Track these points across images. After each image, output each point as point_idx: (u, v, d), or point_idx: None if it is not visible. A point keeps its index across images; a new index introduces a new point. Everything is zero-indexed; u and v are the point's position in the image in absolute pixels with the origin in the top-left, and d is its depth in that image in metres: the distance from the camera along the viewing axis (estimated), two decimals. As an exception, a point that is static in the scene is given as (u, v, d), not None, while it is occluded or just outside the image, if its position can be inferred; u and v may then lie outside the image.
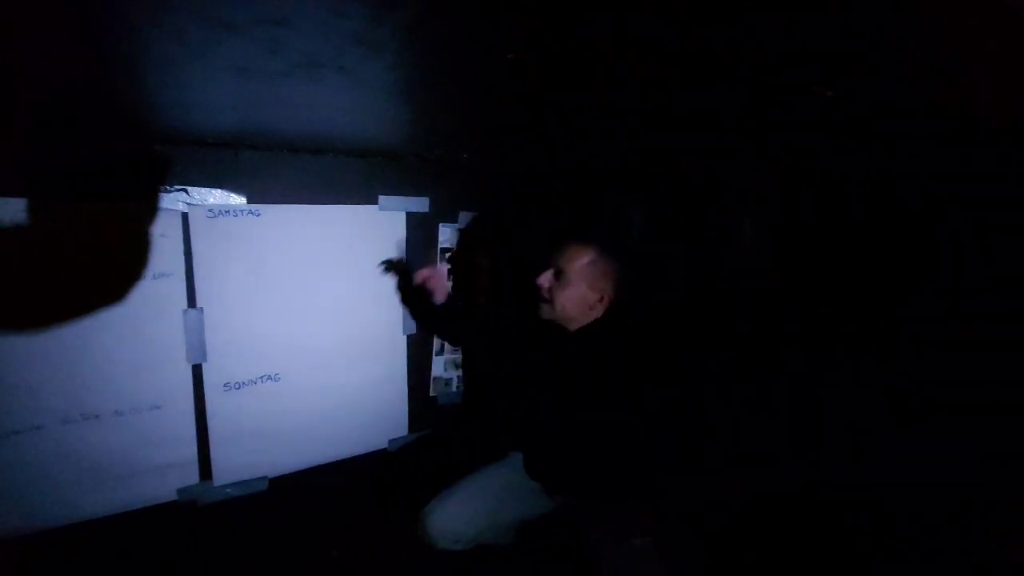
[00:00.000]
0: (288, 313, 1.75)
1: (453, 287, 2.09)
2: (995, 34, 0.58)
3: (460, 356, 2.18)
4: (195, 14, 0.59)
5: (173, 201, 1.50)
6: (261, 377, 1.74)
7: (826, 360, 1.44)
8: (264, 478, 1.81)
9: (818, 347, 1.45)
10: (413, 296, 1.82)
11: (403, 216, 1.91)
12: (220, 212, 1.57)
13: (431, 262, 2.03)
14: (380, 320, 1.95)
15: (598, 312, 1.38)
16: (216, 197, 1.56)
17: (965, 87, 0.79)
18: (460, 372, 2.20)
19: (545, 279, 1.38)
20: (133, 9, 0.58)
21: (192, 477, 1.67)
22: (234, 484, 1.75)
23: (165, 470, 1.62)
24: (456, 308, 1.80)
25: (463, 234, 2.07)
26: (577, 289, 1.35)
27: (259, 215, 1.63)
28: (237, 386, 1.70)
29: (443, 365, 2.16)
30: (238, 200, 1.60)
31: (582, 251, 1.36)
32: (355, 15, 0.58)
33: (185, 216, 1.52)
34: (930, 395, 1.22)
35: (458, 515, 1.36)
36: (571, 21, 0.62)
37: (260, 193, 1.63)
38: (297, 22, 0.61)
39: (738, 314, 1.64)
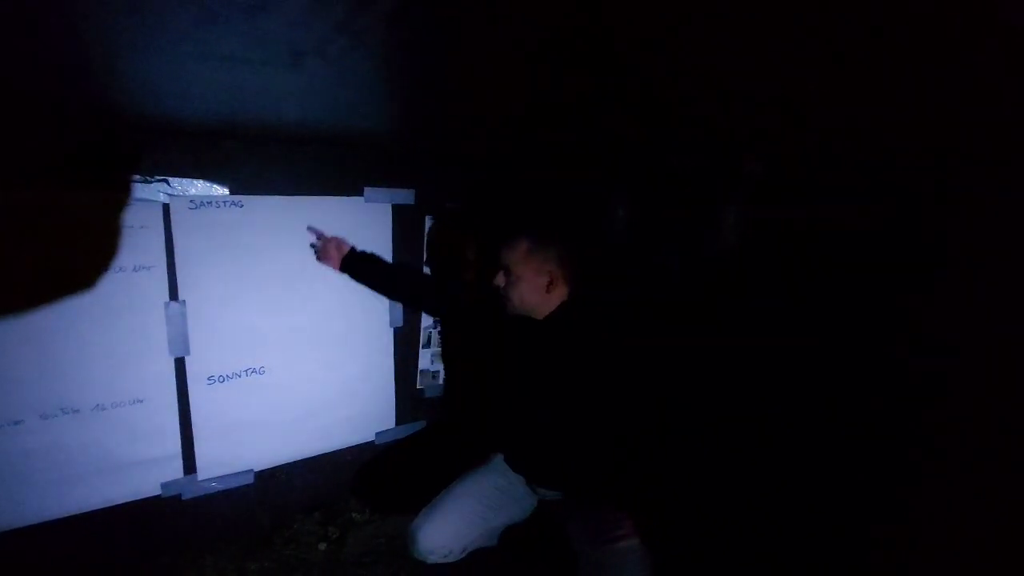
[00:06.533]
0: (273, 306, 1.73)
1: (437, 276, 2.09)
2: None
3: (443, 350, 2.19)
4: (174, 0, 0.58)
5: (154, 192, 1.47)
6: (246, 370, 1.73)
7: (804, 354, 1.46)
8: (250, 471, 1.80)
9: (796, 339, 1.48)
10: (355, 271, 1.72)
11: (389, 208, 1.91)
12: (202, 203, 1.55)
13: (417, 255, 2.04)
14: (366, 313, 1.94)
15: (561, 293, 1.41)
16: (198, 188, 1.54)
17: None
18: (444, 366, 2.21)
19: (499, 280, 1.42)
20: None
21: (176, 471, 1.66)
22: (219, 478, 1.74)
23: (148, 464, 1.60)
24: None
25: (450, 226, 2.07)
26: (525, 280, 1.39)
27: (242, 206, 1.62)
28: (221, 379, 1.68)
29: (429, 358, 2.17)
30: (220, 191, 1.58)
31: (516, 243, 1.41)
32: (336, 2, 0.58)
33: (166, 207, 1.50)
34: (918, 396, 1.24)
35: (446, 530, 1.37)
36: (555, 7, 0.62)
37: (243, 184, 1.61)
38: (278, 9, 0.61)
39: (714, 304, 1.66)
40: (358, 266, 1.69)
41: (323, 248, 1.70)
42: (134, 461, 1.57)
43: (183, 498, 1.69)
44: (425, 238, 2.04)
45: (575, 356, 1.38)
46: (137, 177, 1.45)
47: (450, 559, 1.38)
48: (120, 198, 1.44)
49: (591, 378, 1.37)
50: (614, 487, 1.40)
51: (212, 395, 1.67)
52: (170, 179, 1.49)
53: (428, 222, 2.03)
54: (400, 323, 2.03)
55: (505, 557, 1.54)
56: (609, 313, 1.43)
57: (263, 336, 1.74)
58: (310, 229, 1.73)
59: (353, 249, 1.70)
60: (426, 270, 2.08)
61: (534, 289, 1.38)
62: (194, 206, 1.54)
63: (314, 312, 1.82)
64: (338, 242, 1.70)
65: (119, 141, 1.41)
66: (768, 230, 1.57)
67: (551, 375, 1.40)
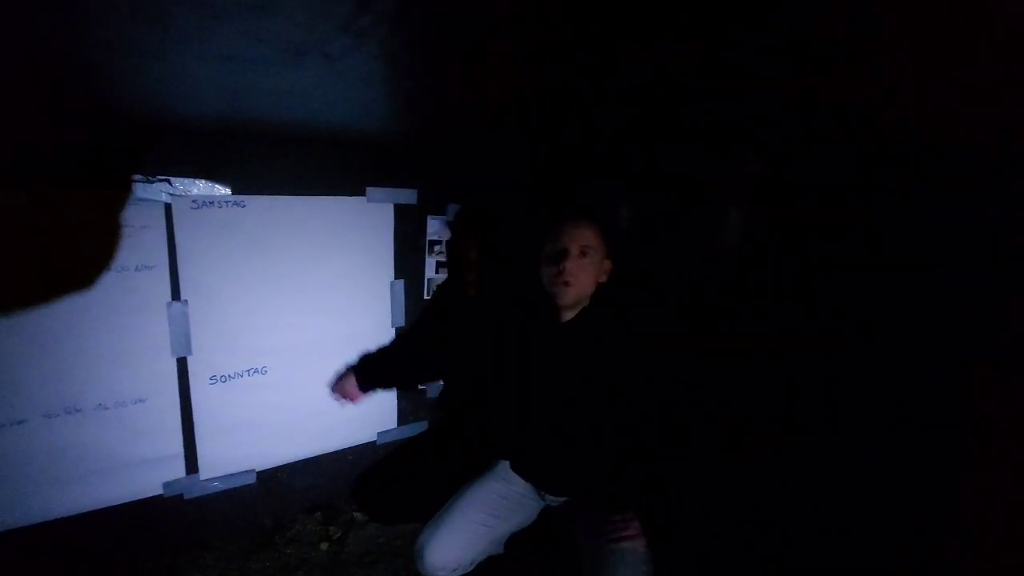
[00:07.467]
0: (275, 306, 1.74)
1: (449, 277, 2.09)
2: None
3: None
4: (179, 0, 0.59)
5: (156, 191, 1.48)
6: (248, 370, 1.73)
7: (806, 355, 1.46)
8: (252, 471, 1.80)
9: (797, 340, 1.48)
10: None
11: (391, 208, 1.91)
12: (204, 203, 1.55)
13: (418, 255, 2.04)
14: (368, 312, 1.95)
15: (602, 279, 1.41)
16: (200, 188, 1.55)
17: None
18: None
19: (572, 262, 1.32)
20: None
21: (178, 471, 1.66)
22: (221, 477, 1.75)
23: (150, 464, 1.61)
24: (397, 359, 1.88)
25: (452, 226, 2.07)
26: (595, 264, 1.36)
27: (244, 206, 1.62)
28: (223, 379, 1.69)
29: (431, 357, 2.16)
30: (223, 191, 1.58)
31: (592, 224, 1.38)
32: (340, 1, 0.58)
33: (168, 207, 1.50)
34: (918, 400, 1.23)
35: (453, 545, 1.35)
36: (557, 9, 0.62)
37: (245, 184, 1.62)
38: (282, 8, 0.61)
39: (715, 304, 1.66)
40: (372, 373, 1.78)
41: (339, 391, 1.79)
42: (136, 461, 1.58)
43: (185, 498, 1.69)
44: (427, 238, 2.04)
45: (595, 360, 1.36)
46: (139, 177, 1.45)
47: (458, 573, 1.37)
48: (122, 198, 1.44)
49: (609, 382, 1.36)
50: (622, 488, 1.39)
51: (214, 395, 1.68)
52: (172, 179, 1.50)
53: (430, 222, 2.03)
54: (402, 323, 2.03)
55: (508, 558, 1.53)
56: (621, 315, 1.42)
57: (265, 336, 1.74)
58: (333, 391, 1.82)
59: (355, 369, 1.79)
60: (430, 272, 2.07)
61: (596, 275, 1.38)
62: (196, 206, 1.54)
63: (316, 312, 1.83)
64: (345, 375, 1.79)
65: (121, 141, 1.42)
66: (769, 230, 1.56)
67: (571, 380, 1.38)
